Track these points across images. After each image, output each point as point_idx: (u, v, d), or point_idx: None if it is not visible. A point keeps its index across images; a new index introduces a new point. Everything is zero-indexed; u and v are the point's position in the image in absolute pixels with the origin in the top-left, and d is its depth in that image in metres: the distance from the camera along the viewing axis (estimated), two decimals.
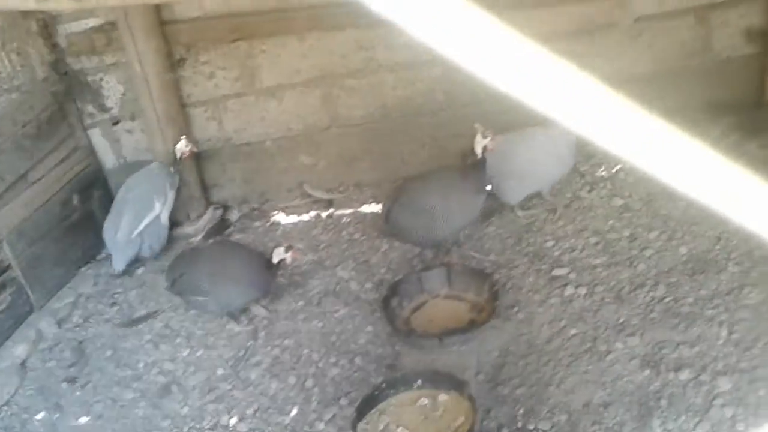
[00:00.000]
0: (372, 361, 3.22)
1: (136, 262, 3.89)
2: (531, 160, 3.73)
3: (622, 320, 3.14)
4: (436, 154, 4.43)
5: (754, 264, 3.27)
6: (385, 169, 4.48)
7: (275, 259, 3.30)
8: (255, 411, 3.07)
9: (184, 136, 3.91)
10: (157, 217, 3.83)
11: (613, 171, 4.07)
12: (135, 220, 3.76)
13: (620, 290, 3.28)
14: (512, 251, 3.71)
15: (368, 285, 3.66)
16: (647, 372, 2.87)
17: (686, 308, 3.11)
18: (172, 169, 3.88)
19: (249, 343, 3.39)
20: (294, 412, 3.04)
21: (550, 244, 3.69)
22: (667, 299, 3.19)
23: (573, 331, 3.14)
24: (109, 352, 3.45)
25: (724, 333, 2.96)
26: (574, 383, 2.90)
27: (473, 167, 3.41)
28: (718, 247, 3.41)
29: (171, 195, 3.89)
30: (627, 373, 2.90)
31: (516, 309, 3.32)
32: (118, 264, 3.80)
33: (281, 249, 3.33)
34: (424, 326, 3.35)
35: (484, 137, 3.32)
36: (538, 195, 3.92)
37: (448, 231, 3.50)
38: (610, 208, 3.83)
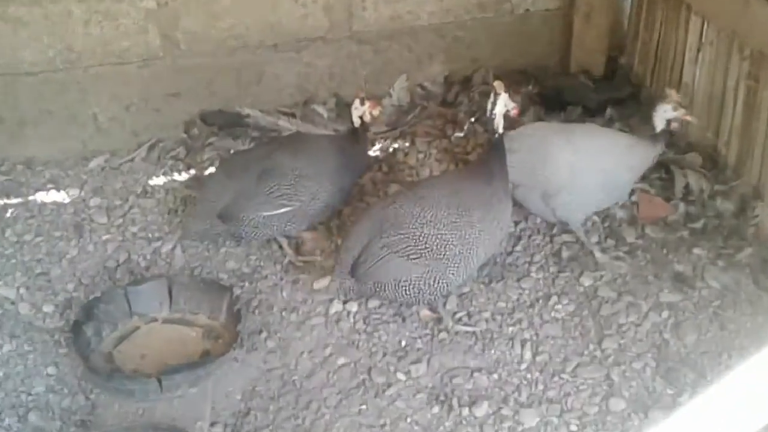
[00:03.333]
0: (55, 416, 3.05)
1: None
2: (597, 169, 3.56)
3: (404, 343, 3.28)
4: (148, 119, 4.42)
5: (561, 268, 3.60)
6: (72, 139, 4.37)
7: (355, 120, 3.58)
8: None
9: None
10: None
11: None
12: None
13: (401, 305, 3.42)
14: (259, 256, 3.74)
15: (47, 308, 3.51)
16: (436, 409, 3.02)
17: (482, 325, 3.34)
18: None
19: None
20: None
21: (310, 245, 3.79)
22: (459, 314, 3.39)
23: (342, 361, 3.22)
24: None
25: (527, 355, 3.21)
26: (344, 428, 2.98)
27: (488, 158, 3.23)
28: (518, 248, 3.72)
29: None
30: (411, 411, 3.03)
31: (265, 334, 3.35)
32: None
33: (356, 103, 3.56)
34: (135, 363, 3.28)
35: (506, 103, 3.14)
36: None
37: (458, 278, 3.26)
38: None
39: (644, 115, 4.32)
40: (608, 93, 4.51)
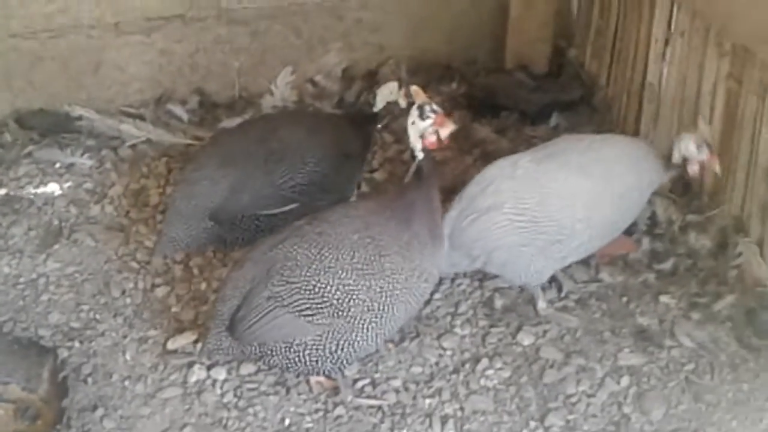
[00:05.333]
0: None
1: None
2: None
3: (288, 422, 3.27)
4: None
5: (493, 321, 3.64)
6: None
7: (380, 104, 3.67)
8: None
9: None
10: None
11: None
12: None
13: (283, 372, 3.42)
14: (94, 306, 3.73)
15: None
16: None
17: (391, 397, 3.34)
18: None
19: None
20: None
21: (162, 291, 3.78)
22: (361, 383, 3.40)
23: None
24: None
25: None
26: None
27: (406, 191, 3.27)
28: (438, 295, 3.75)
29: None
30: None
31: (101, 411, 3.31)
32: None
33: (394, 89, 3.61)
34: None
35: (423, 114, 3.12)
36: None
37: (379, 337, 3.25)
38: None
39: (601, 125, 4.50)
40: (553, 95, 4.63)
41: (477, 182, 3.56)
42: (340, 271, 3.10)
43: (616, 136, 3.80)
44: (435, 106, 3.12)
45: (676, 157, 3.57)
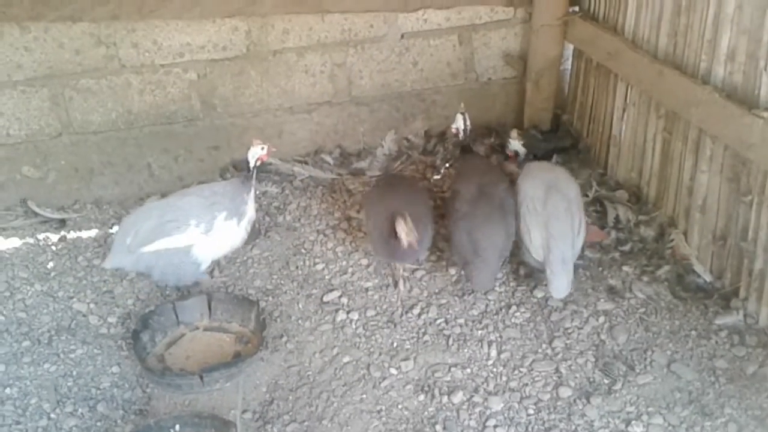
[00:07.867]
0: (118, 407, 3.04)
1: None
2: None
3: (395, 344, 3.27)
4: (192, 167, 4.39)
5: (518, 283, 3.60)
6: (131, 184, 4.33)
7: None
8: None
9: (256, 139, 3.59)
10: (186, 249, 3.38)
11: None
12: (150, 235, 3.34)
13: (392, 313, 3.43)
14: (280, 275, 3.73)
15: (112, 319, 3.48)
16: (422, 397, 3.01)
17: (457, 329, 3.33)
18: (243, 181, 3.58)
19: None
20: None
21: (320, 267, 3.77)
22: (438, 321, 3.38)
23: (346, 359, 3.21)
24: None
25: (493, 353, 3.20)
26: (348, 414, 2.96)
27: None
28: None
29: (245, 210, 3.55)
30: (402, 399, 3.02)
31: (285, 339, 3.33)
32: (110, 262, 3.43)
33: None
34: (181, 363, 3.25)
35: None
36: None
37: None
38: None
39: (583, 163, 4.41)
40: (553, 143, 4.51)
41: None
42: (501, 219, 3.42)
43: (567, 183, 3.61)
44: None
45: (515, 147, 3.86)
